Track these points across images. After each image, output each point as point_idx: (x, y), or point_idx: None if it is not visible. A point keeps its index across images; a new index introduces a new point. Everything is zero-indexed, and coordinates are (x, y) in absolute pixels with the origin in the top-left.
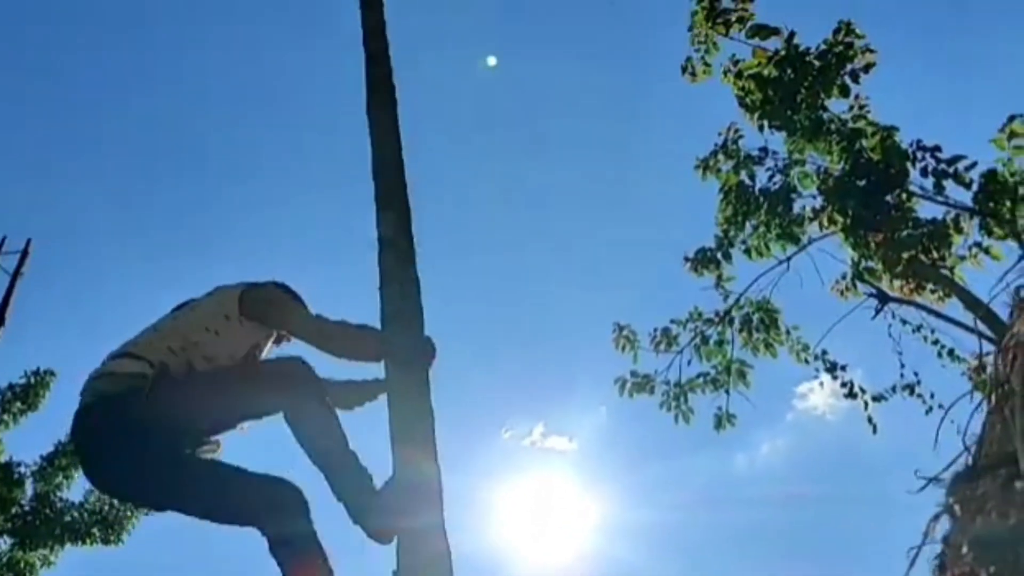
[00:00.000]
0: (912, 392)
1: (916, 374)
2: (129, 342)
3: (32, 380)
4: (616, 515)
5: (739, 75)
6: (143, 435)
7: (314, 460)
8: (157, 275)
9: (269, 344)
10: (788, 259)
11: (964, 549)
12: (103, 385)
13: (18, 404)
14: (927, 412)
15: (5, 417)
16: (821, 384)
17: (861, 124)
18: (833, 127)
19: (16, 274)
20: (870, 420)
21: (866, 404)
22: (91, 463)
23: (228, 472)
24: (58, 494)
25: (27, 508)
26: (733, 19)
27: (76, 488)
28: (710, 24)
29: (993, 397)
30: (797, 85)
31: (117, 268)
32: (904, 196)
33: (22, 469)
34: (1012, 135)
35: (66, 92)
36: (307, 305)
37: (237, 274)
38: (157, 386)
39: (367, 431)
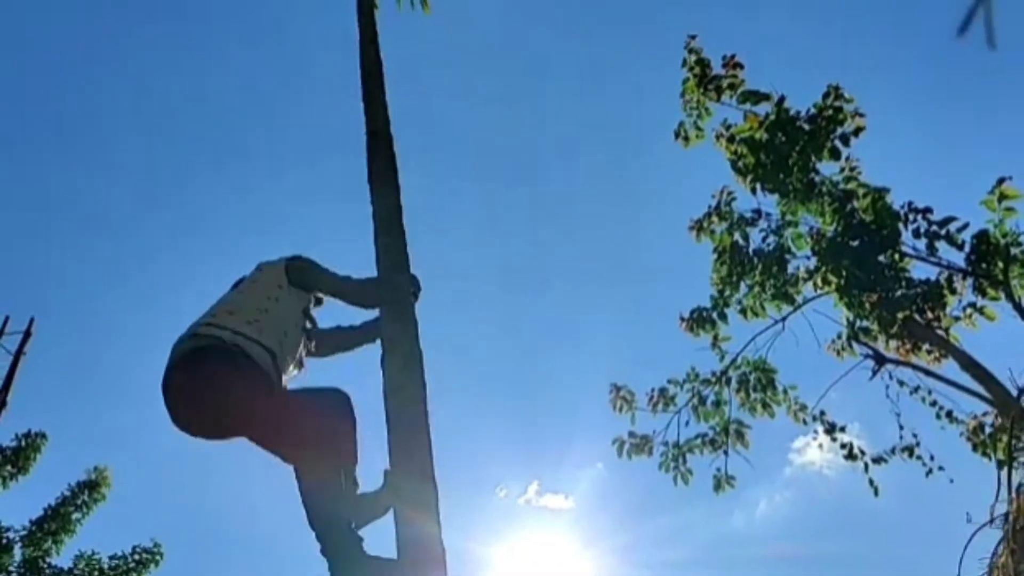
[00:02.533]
0: (911, 454)
1: (915, 435)
2: (207, 315)
3: (23, 443)
4: (614, 574)
5: (731, 139)
6: (224, 379)
7: (311, 518)
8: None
9: (313, 307)
10: (783, 319)
11: None
12: (190, 344)
13: (8, 468)
14: (927, 474)
15: None
16: (820, 446)
17: (852, 186)
18: (825, 189)
19: (19, 354)
20: (871, 482)
21: (866, 466)
22: (178, 406)
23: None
24: (47, 560)
25: (15, 574)
26: (724, 85)
27: (65, 554)
28: (702, 90)
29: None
30: (788, 149)
31: (118, 342)
32: (897, 257)
33: (10, 534)
34: (1002, 197)
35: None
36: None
37: None
38: (241, 360)
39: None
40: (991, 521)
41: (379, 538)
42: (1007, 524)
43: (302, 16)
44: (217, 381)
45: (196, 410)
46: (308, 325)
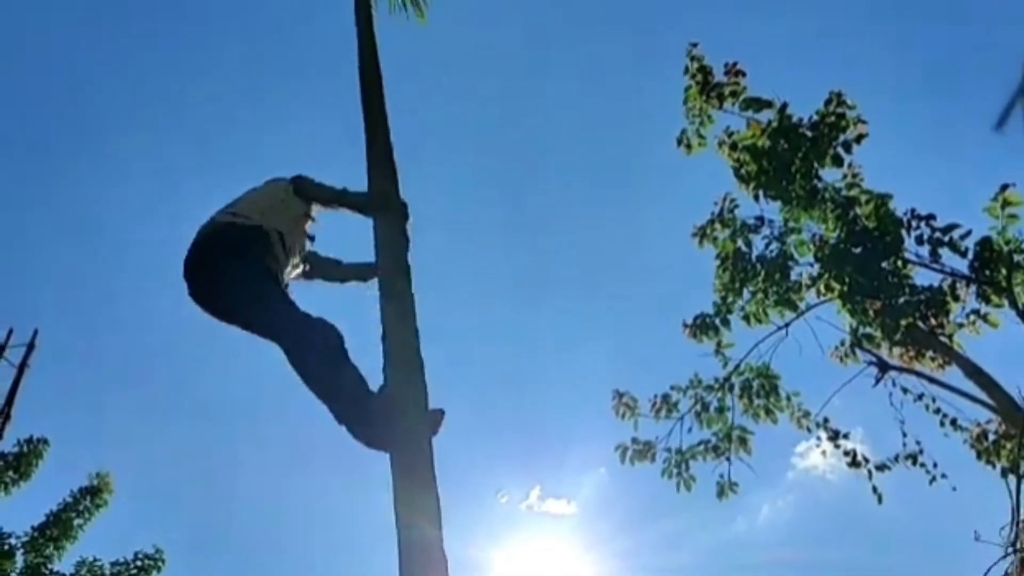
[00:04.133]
0: (915, 462)
1: (919, 442)
2: (229, 204)
3: (25, 449)
4: None
5: (734, 147)
6: (240, 261)
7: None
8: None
9: (315, 214)
10: (786, 325)
11: None
12: (209, 229)
13: (10, 473)
14: (931, 482)
15: None
16: (824, 452)
17: (855, 192)
18: (827, 196)
19: (23, 367)
20: (875, 490)
21: (870, 473)
22: (199, 285)
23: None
24: (49, 566)
25: None
26: (726, 93)
27: (67, 560)
28: (704, 98)
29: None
30: (791, 156)
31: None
32: (900, 263)
33: (12, 540)
34: (1005, 204)
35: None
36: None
37: None
38: (255, 240)
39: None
40: (1005, 556)
41: (381, 544)
42: (1018, 552)
43: (302, 16)
44: (227, 257)
45: (208, 284)
46: (308, 232)
